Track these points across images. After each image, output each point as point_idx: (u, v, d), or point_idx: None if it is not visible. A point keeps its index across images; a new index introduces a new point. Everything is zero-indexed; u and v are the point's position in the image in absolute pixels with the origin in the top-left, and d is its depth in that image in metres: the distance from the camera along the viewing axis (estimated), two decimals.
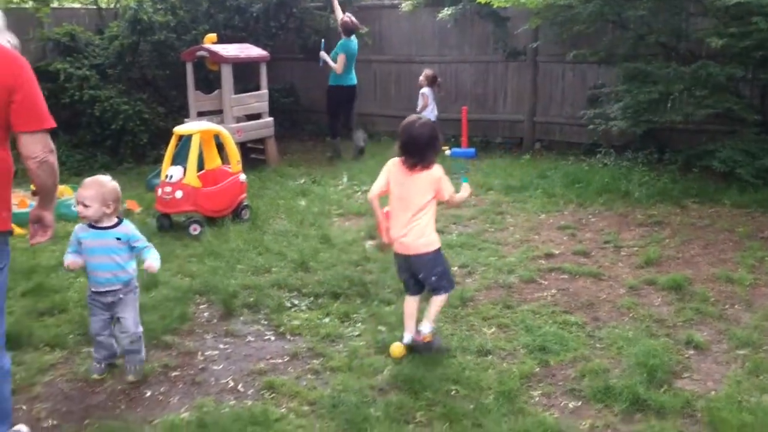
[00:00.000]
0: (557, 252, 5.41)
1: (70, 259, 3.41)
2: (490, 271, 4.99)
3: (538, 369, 3.57)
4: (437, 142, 3.62)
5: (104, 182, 3.33)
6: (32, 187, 6.58)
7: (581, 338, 3.90)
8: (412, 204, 3.61)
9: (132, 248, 3.40)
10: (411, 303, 3.81)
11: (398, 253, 3.73)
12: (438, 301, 3.77)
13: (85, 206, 3.28)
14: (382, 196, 3.73)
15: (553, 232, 5.94)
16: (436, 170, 3.62)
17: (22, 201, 6.32)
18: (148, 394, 3.36)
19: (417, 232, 3.62)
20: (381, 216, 3.77)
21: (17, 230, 5.87)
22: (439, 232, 4.02)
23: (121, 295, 3.39)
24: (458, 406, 3.18)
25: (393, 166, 3.69)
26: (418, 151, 3.56)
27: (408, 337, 3.75)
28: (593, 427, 3.06)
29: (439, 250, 3.72)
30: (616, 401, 3.20)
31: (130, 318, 3.43)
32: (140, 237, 3.42)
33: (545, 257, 5.30)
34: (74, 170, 8.23)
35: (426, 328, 3.72)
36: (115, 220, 3.39)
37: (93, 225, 3.35)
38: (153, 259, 3.43)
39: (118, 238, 3.34)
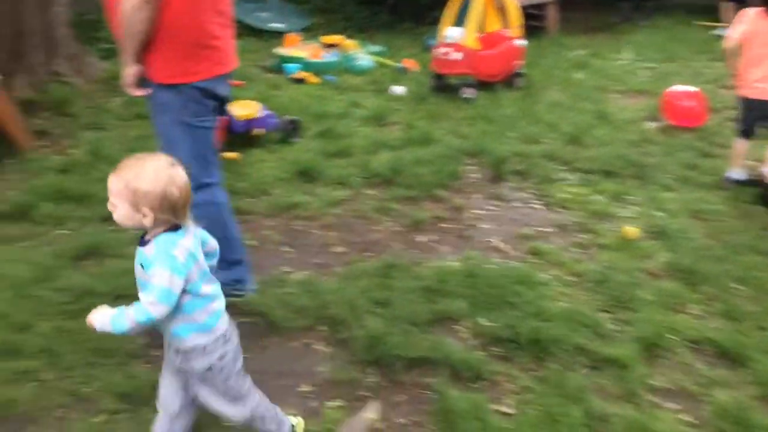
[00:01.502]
0: None
1: None
2: None
3: None
4: None
5: (143, 173, 1.75)
6: (323, 39, 7.09)
7: None
8: None
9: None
10: (744, 144, 4.16)
11: (752, 98, 4.02)
12: None
13: (113, 205, 1.79)
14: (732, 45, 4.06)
15: None
16: None
17: (315, 52, 6.85)
18: (421, 239, 3.59)
19: None
20: (734, 62, 4.11)
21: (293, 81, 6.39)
22: None
23: (188, 364, 1.92)
24: (740, 305, 2.93)
25: (754, 16, 3.95)
26: None
27: (739, 173, 4.15)
28: None
29: None
30: None
31: (214, 400, 1.99)
32: (155, 264, 1.75)
33: None
34: (358, 26, 8.65)
35: None
36: (167, 227, 1.81)
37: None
38: (122, 310, 1.76)
39: (142, 266, 1.83)
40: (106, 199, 3.69)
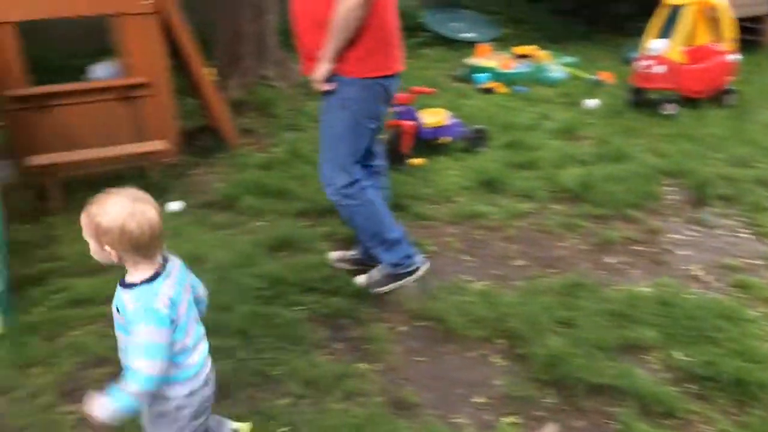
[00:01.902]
0: None
1: None
2: None
3: None
4: None
5: (104, 208, 1.67)
6: (514, 49, 7.01)
7: None
8: None
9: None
10: None
11: None
12: None
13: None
14: None
15: None
16: None
17: (505, 62, 6.78)
18: (610, 260, 3.39)
19: None
20: None
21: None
22: None
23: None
24: None
25: None
26: None
27: None
28: None
29: None
30: None
31: None
32: (138, 321, 1.66)
33: None
34: (552, 37, 8.43)
35: None
36: (146, 275, 1.73)
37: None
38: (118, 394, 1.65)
39: (117, 309, 1.76)
40: (301, 196, 3.90)
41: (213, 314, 2.84)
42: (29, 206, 4.00)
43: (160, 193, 4.15)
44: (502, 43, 7.96)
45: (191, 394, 1.81)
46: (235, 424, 2.16)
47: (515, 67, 6.73)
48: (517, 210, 3.92)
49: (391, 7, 2.73)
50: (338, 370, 2.53)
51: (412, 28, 8.13)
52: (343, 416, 2.29)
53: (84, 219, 1.69)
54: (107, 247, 1.68)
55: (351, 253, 3.30)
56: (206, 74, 4.80)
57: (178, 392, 1.79)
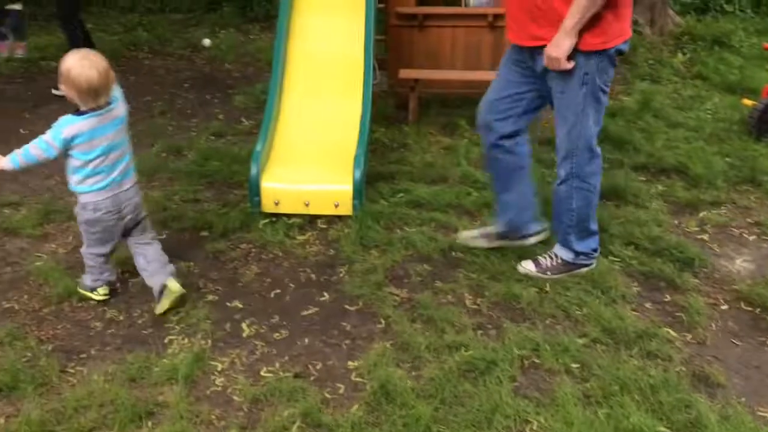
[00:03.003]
0: None
1: None
2: None
3: None
4: None
5: (63, 59, 2.34)
6: None
7: None
8: None
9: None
10: None
11: None
12: None
13: None
14: None
15: None
16: None
17: None
18: None
19: None
20: None
21: None
22: None
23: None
24: None
25: None
26: None
27: None
28: None
29: None
30: None
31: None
32: (50, 129, 2.38)
33: None
34: None
35: None
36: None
37: None
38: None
39: None
40: (643, 149, 3.79)
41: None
42: (391, 113, 4.53)
43: None
44: None
45: (86, 207, 2.47)
46: (171, 282, 2.56)
47: None
48: None
49: None
50: (642, 328, 2.47)
51: None
52: (637, 372, 2.24)
53: None
54: (62, 86, 2.34)
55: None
56: None
57: (81, 200, 2.48)
